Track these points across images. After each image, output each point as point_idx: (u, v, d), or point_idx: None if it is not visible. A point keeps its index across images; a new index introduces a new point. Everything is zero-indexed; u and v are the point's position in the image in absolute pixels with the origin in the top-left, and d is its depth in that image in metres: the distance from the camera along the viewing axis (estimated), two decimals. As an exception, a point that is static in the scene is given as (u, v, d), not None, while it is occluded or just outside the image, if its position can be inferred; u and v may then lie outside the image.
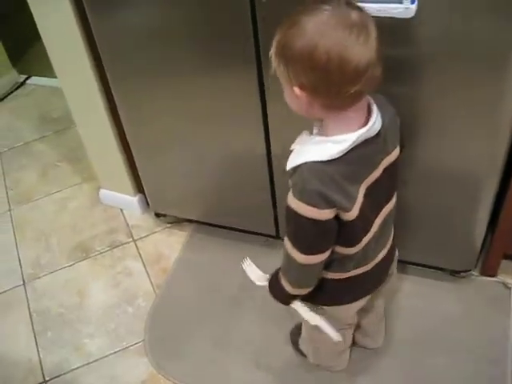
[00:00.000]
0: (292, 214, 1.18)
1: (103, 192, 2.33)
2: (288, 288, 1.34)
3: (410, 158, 1.52)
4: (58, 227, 2.34)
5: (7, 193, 2.56)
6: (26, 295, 2.11)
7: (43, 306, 2.05)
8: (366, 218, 1.24)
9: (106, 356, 1.81)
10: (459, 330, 1.76)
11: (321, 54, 1.01)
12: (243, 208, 1.96)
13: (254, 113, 1.62)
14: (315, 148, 1.16)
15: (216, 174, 1.90)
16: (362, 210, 1.19)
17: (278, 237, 2.02)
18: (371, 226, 1.28)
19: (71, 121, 2.74)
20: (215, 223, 2.09)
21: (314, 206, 1.14)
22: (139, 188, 2.20)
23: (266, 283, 1.46)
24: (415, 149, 1.52)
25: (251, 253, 2.02)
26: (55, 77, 2.99)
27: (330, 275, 1.34)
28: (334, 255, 1.28)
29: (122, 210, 2.32)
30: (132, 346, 1.89)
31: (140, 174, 2.06)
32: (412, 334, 1.77)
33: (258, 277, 1.51)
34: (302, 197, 1.15)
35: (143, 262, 2.12)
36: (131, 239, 2.20)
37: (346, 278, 1.34)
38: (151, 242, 2.19)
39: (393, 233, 1.43)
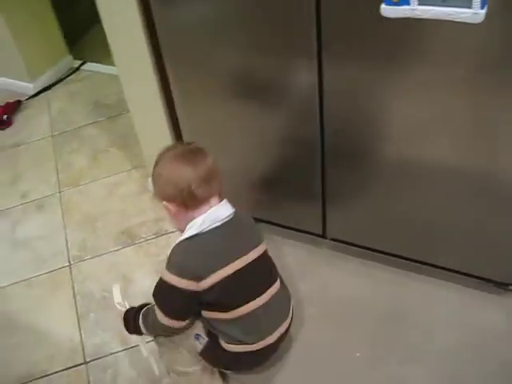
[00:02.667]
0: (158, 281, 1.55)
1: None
2: (144, 330, 1.67)
3: (459, 168, 1.52)
4: (106, 212, 2.36)
5: (58, 175, 2.60)
6: (71, 277, 2.14)
7: (87, 288, 2.08)
8: (227, 293, 1.53)
9: (147, 343, 1.82)
10: (499, 343, 1.72)
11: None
12: (291, 204, 1.96)
13: (310, 102, 1.60)
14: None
15: (268, 168, 1.89)
16: (219, 285, 1.49)
17: (324, 236, 2.00)
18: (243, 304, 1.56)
19: (124, 108, 2.79)
20: (262, 218, 2.08)
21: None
22: (188, 178, 2.20)
23: (122, 311, 1.71)
24: (467, 160, 1.51)
25: (296, 249, 2.05)
26: (110, 64, 3.06)
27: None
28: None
29: (169, 199, 2.33)
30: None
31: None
32: (450, 344, 1.74)
33: (119, 302, 1.73)
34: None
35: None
36: (176, 229, 2.21)
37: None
38: (197, 233, 2.18)
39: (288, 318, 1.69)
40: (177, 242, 1.54)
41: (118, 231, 2.26)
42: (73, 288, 2.10)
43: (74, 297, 2.07)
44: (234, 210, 1.56)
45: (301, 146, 1.75)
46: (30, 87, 3.13)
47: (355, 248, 1.98)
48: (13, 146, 2.83)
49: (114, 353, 1.88)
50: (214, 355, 1.66)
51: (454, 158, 1.54)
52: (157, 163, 1.60)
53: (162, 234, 2.21)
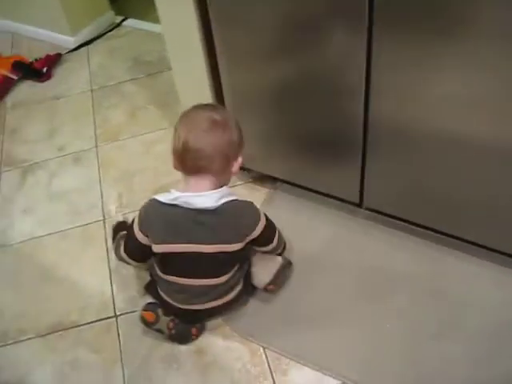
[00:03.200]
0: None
1: (190, 139, 2.32)
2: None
3: (500, 144, 1.48)
4: (142, 168, 2.36)
5: (95, 130, 2.60)
6: (105, 231, 2.15)
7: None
8: (164, 264, 1.70)
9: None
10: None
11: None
12: (329, 171, 1.93)
13: (356, 73, 1.56)
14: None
15: (307, 133, 1.86)
16: (167, 255, 1.65)
17: (361, 205, 1.98)
18: (170, 275, 1.69)
19: (164, 65, 2.80)
20: (298, 183, 2.06)
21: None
22: (226, 139, 2.19)
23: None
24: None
25: (331, 217, 2.03)
26: (151, 21, 3.05)
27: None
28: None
29: (205, 159, 2.32)
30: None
31: (231, 125, 2.03)
32: (485, 322, 1.71)
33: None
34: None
35: (222, 214, 2.12)
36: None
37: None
38: (232, 194, 2.18)
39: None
40: (154, 196, 1.66)
41: (153, 188, 2.25)
42: (106, 242, 2.11)
43: (107, 251, 2.08)
44: (220, 203, 1.57)
45: (344, 115, 1.72)
46: (71, 41, 3.12)
47: (390, 219, 1.96)
48: (52, 99, 2.84)
49: (145, 309, 1.90)
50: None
51: (496, 135, 1.50)
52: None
53: (197, 194, 2.20)
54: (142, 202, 2.20)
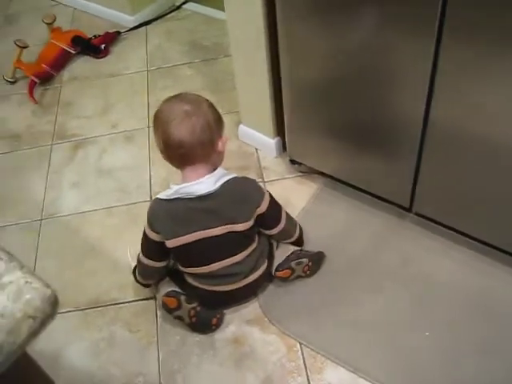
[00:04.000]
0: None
1: (242, 128, 2.32)
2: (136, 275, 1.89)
3: None
4: (192, 153, 2.36)
5: (148, 110, 2.61)
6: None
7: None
8: (182, 258, 1.76)
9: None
10: None
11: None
12: (381, 172, 1.90)
13: (420, 76, 1.53)
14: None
15: (363, 132, 1.84)
16: (182, 248, 1.67)
17: (410, 210, 1.95)
18: (191, 267, 1.75)
19: (220, 52, 2.80)
20: (348, 181, 2.04)
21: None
22: (279, 131, 2.18)
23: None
24: None
25: (378, 219, 2.00)
26: (212, 6, 3.05)
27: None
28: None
29: (257, 149, 2.32)
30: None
31: (285, 118, 2.02)
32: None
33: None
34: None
35: (269, 205, 2.11)
36: (261, 180, 2.19)
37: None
38: (280, 187, 2.17)
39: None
40: (156, 196, 1.69)
41: (201, 174, 2.26)
42: (151, 223, 2.12)
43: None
44: (219, 185, 1.61)
45: (403, 117, 1.69)
46: (131, 20, 3.13)
47: (439, 226, 1.92)
48: (108, 76, 2.86)
49: (184, 292, 1.90)
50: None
51: None
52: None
53: (246, 183, 2.20)
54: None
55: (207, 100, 1.66)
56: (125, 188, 2.29)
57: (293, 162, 2.17)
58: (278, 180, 2.19)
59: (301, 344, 1.74)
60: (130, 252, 2.02)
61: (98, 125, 2.59)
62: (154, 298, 1.90)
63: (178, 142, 1.55)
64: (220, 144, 1.63)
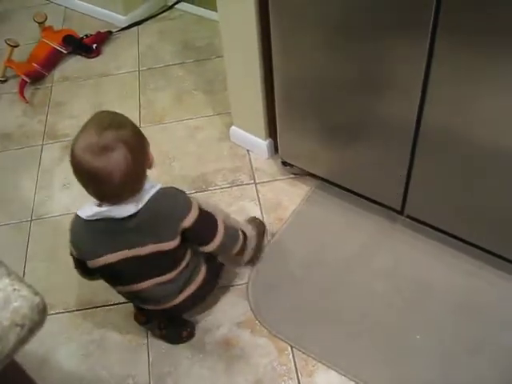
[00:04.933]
0: None
1: (234, 129, 2.31)
2: None
3: None
4: (184, 154, 2.36)
5: (140, 111, 2.60)
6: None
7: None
8: (108, 277, 1.66)
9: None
10: None
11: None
12: (373, 175, 1.90)
13: (413, 79, 1.53)
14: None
15: (355, 135, 1.84)
16: (105, 267, 1.55)
17: (401, 213, 1.95)
18: (119, 286, 1.67)
19: (212, 52, 2.80)
20: (340, 184, 2.04)
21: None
22: (271, 133, 2.18)
23: None
24: None
25: (370, 221, 2.00)
26: (204, 6, 3.04)
27: None
28: None
29: (248, 151, 2.31)
30: (235, 285, 1.90)
31: (277, 119, 2.02)
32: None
33: None
34: None
35: (260, 207, 2.10)
36: (253, 181, 2.19)
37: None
38: (272, 188, 2.16)
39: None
40: (77, 211, 1.53)
41: (194, 175, 2.25)
42: (142, 224, 2.11)
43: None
44: (140, 207, 1.45)
45: (396, 119, 1.68)
46: (123, 20, 3.12)
47: (430, 229, 1.92)
48: (99, 76, 2.84)
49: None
50: None
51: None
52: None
53: (238, 185, 2.19)
54: (181, 187, 2.21)
55: (128, 125, 1.45)
56: (116, 189, 2.27)
57: (285, 163, 2.16)
58: (269, 182, 2.19)
59: (292, 347, 1.73)
60: None
61: (89, 125, 2.57)
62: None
63: (107, 178, 1.37)
64: (147, 168, 1.50)
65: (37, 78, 2.85)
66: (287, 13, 1.68)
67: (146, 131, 2.40)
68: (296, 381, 1.66)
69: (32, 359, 1.79)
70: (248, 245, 1.79)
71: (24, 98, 2.74)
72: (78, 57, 2.98)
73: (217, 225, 1.62)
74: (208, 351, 1.76)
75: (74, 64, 2.95)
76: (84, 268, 1.62)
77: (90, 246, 1.55)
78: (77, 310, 1.91)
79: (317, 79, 1.78)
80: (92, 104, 2.68)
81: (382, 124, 1.73)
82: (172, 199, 1.54)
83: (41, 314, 0.66)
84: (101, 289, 1.92)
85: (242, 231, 1.76)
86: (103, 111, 1.52)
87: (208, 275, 1.71)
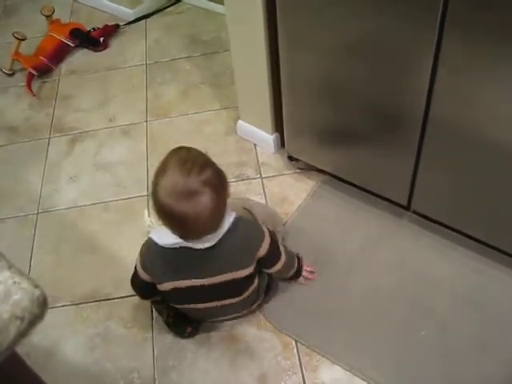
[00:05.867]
0: None
1: (241, 124, 2.31)
2: None
3: None
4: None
5: (147, 104, 2.60)
6: (148, 206, 2.15)
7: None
8: (173, 297, 1.68)
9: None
10: None
11: None
12: (379, 170, 1.89)
13: (421, 73, 1.52)
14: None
15: (362, 129, 1.83)
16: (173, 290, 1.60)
17: (408, 208, 1.94)
18: (184, 304, 1.70)
19: (220, 46, 2.79)
20: (346, 179, 2.03)
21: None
22: (277, 127, 2.17)
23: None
24: None
25: (376, 217, 2.00)
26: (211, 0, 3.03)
27: None
28: None
29: (255, 145, 2.30)
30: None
31: (284, 114, 2.01)
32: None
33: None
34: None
35: (266, 201, 2.10)
36: (259, 176, 2.19)
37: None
38: (278, 183, 2.16)
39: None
40: (151, 235, 1.58)
41: (199, 170, 2.24)
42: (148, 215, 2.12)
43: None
44: (216, 240, 1.50)
45: (403, 114, 1.67)
46: (130, 13, 3.11)
47: (436, 225, 1.91)
48: (106, 69, 2.84)
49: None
50: None
51: None
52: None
53: (243, 179, 2.19)
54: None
55: (210, 165, 1.45)
56: (122, 182, 2.27)
57: (291, 158, 2.16)
58: (275, 176, 2.18)
59: (296, 342, 1.73)
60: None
61: (95, 118, 2.58)
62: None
63: (195, 221, 1.42)
64: (226, 203, 1.51)
65: (44, 72, 2.85)
66: (294, 6, 1.67)
67: (153, 125, 2.47)
68: (300, 375, 1.66)
69: (37, 352, 1.80)
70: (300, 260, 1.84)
71: (31, 91, 2.74)
72: (86, 50, 2.97)
73: (279, 248, 1.69)
74: (212, 345, 1.76)
75: (82, 57, 2.95)
76: (146, 289, 1.70)
77: (163, 271, 1.60)
78: (82, 303, 1.91)
79: (324, 74, 1.77)
80: (99, 97, 2.68)
81: (390, 118, 1.72)
82: (249, 229, 1.61)
83: (41, 306, 0.66)
84: (106, 282, 1.94)
85: (297, 255, 1.82)
86: (181, 148, 1.51)
87: (265, 297, 1.81)
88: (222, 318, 1.78)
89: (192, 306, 1.69)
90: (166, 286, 1.61)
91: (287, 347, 1.72)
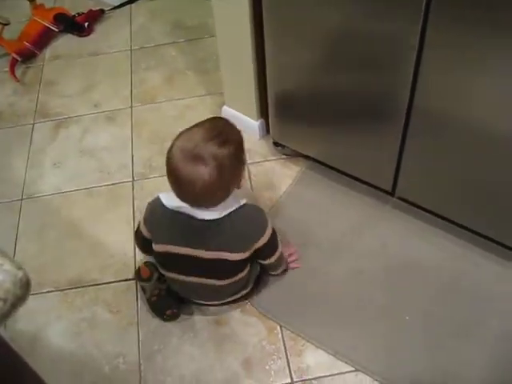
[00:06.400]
0: None
1: (226, 109, 2.30)
2: None
3: None
4: (174, 133, 2.30)
5: (131, 90, 2.59)
6: (133, 192, 2.15)
7: (147, 206, 2.09)
8: (164, 262, 1.71)
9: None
10: None
11: None
12: (364, 156, 1.90)
13: (405, 60, 1.52)
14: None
15: (347, 116, 1.83)
16: (166, 254, 1.64)
17: (392, 194, 1.95)
18: (171, 272, 1.70)
19: (205, 32, 2.78)
20: (331, 165, 2.04)
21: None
22: (263, 113, 2.17)
23: None
24: None
25: (360, 202, 2.01)
26: (197, -15, 2.99)
27: None
28: None
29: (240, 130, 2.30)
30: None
31: (269, 100, 2.01)
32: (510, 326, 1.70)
33: None
34: None
35: (252, 187, 2.10)
36: (244, 162, 2.19)
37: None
38: (263, 169, 2.16)
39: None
40: (160, 194, 1.62)
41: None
42: (133, 204, 2.12)
43: (133, 212, 2.09)
44: (225, 214, 1.53)
45: (388, 101, 1.68)
46: (115, -2, 3.09)
47: (421, 211, 1.93)
48: (91, 55, 2.81)
49: (166, 274, 1.90)
50: None
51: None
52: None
53: (228, 165, 2.18)
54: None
55: (231, 146, 1.46)
56: (106, 168, 2.27)
57: (276, 144, 2.16)
58: (261, 162, 2.19)
59: (281, 326, 1.74)
60: None
61: (80, 104, 2.56)
62: (134, 279, 1.89)
63: (188, 184, 1.43)
64: (235, 187, 1.54)
65: (28, 57, 2.82)
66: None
67: (138, 111, 2.47)
68: (285, 360, 1.67)
69: (23, 337, 1.80)
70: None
71: (15, 76, 2.72)
72: (70, 35, 2.94)
73: (278, 243, 1.71)
74: (198, 330, 1.76)
75: (66, 42, 2.92)
76: (146, 244, 1.72)
77: (163, 232, 1.63)
78: (67, 289, 1.91)
79: (309, 59, 1.77)
80: (84, 83, 2.66)
81: (374, 105, 1.73)
82: (254, 218, 1.62)
83: (24, 288, 0.66)
84: (92, 268, 1.94)
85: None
86: (222, 119, 1.60)
87: (253, 287, 1.80)
88: (207, 303, 1.78)
89: (178, 276, 1.69)
90: (160, 247, 1.64)
91: (272, 332, 1.73)
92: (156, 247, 1.66)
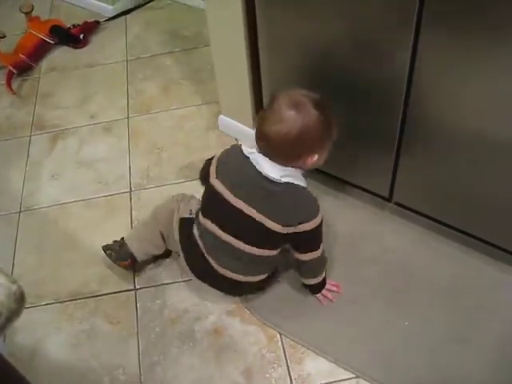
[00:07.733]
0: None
1: (222, 118, 2.31)
2: None
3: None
4: (172, 143, 2.35)
5: (128, 101, 2.59)
6: (131, 203, 2.15)
7: (145, 216, 2.07)
8: (207, 206, 1.72)
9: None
10: None
11: None
12: (361, 163, 1.91)
13: (400, 65, 1.53)
14: None
15: (343, 123, 1.83)
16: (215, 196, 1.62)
17: (389, 200, 1.95)
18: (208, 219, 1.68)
19: (200, 41, 2.79)
20: (327, 172, 2.03)
21: None
22: (259, 121, 2.17)
23: None
24: None
25: (358, 209, 2.01)
26: (192, -6, 3.02)
27: None
28: None
29: (236, 139, 2.30)
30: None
31: (265, 107, 2.02)
32: (508, 331, 1.69)
33: None
34: None
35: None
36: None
37: None
38: (260, 177, 2.16)
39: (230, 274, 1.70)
40: (241, 143, 1.69)
41: (182, 165, 2.25)
42: (131, 214, 2.12)
43: (131, 223, 2.08)
44: (284, 181, 1.53)
45: (383, 108, 1.68)
46: (110, 9, 3.10)
47: (418, 216, 1.92)
48: (87, 66, 2.82)
49: (165, 284, 1.90)
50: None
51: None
52: None
53: (225, 174, 2.19)
54: (169, 177, 2.22)
55: (326, 113, 1.54)
56: (104, 179, 2.27)
57: (272, 151, 2.16)
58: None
59: (281, 334, 1.74)
60: None
61: (77, 116, 2.57)
62: (134, 289, 1.90)
63: (264, 137, 1.52)
64: (308, 162, 1.57)
65: (24, 69, 2.83)
66: (273, 2, 1.68)
67: (135, 121, 2.47)
68: (285, 368, 1.67)
69: (23, 349, 1.79)
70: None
71: (11, 89, 2.72)
72: (66, 47, 2.96)
73: (320, 243, 1.69)
74: (197, 339, 1.76)
75: (62, 54, 2.93)
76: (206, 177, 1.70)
77: (227, 172, 1.63)
78: (67, 301, 1.90)
79: (303, 67, 1.78)
80: (80, 94, 2.67)
81: (370, 111, 1.73)
82: (309, 201, 1.61)
83: (18, 302, 0.66)
84: (91, 279, 1.94)
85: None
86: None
87: (264, 283, 1.80)
88: (223, 272, 1.71)
89: (212, 225, 1.66)
90: (215, 182, 1.63)
91: (272, 340, 1.73)
92: (212, 180, 1.63)
